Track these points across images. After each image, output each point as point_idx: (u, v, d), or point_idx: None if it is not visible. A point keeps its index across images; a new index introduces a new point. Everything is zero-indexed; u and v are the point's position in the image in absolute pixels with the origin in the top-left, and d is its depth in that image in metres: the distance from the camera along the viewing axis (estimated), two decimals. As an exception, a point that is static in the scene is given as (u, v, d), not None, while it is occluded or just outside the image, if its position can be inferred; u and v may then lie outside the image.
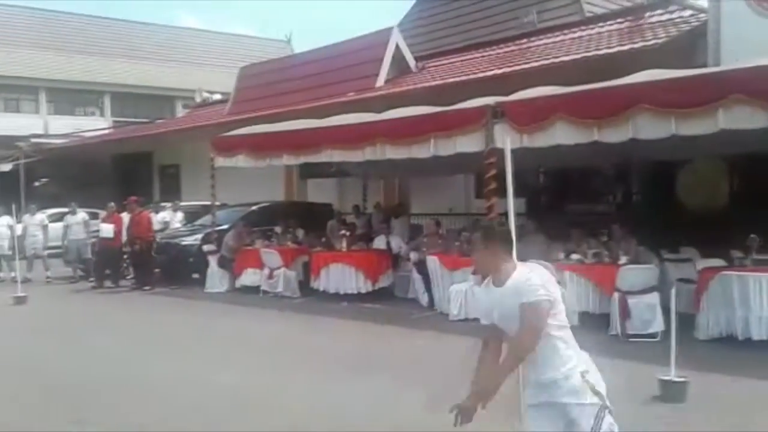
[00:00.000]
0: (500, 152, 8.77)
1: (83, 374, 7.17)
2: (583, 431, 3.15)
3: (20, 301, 12.08)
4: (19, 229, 15.15)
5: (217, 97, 26.92)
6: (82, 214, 15.60)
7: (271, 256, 12.34)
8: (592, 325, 8.42)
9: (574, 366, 3.25)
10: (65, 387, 6.70)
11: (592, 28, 14.68)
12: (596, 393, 3.21)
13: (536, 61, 13.02)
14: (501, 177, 8.86)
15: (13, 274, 14.54)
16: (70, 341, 9.10)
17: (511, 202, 4.32)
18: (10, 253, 15.03)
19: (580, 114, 8.27)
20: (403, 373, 6.83)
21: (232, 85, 21.68)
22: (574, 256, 9.05)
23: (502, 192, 9.01)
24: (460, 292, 9.36)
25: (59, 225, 17.34)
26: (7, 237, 15.28)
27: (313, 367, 7.18)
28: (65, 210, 19.46)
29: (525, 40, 15.83)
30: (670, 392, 5.63)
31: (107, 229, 14.30)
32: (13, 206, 14.96)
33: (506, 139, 4.39)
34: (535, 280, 3.18)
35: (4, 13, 39.96)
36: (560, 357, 3.25)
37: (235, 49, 42.42)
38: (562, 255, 9.21)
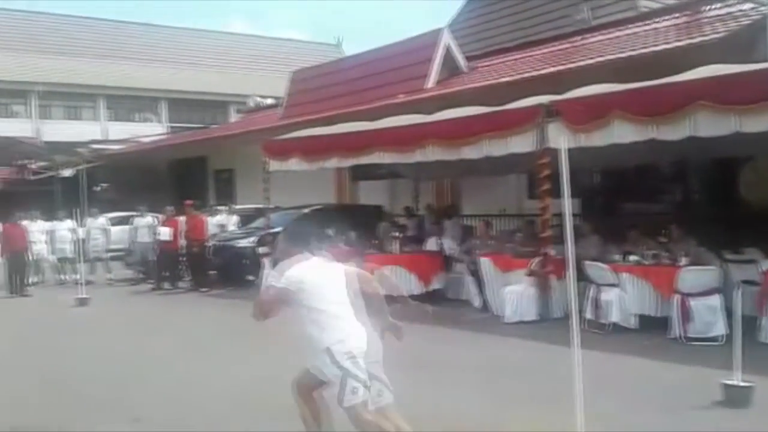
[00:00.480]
0: (554, 152, 8.69)
1: (143, 373, 7.35)
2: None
3: (83, 302, 12.47)
4: (81, 232, 15.67)
5: (270, 101, 27.32)
6: (148, 218, 16.00)
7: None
8: (652, 328, 8.25)
9: (326, 344, 4.10)
10: (126, 385, 6.87)
11: (648, 24, 14.37)
12: (339, 367, 4.04)
13: (591, 58, 12.80)
14: (555, 177, 8.81)
15: (76, 277, 15.07)
16: (131, 341, 9.35)
17: (567, 203, 4.24)
18: (73, 256, 15.57)
19: (637, 111, 8.09)
20: (454, 373, 6.80)
21: (283, 89, 21.96)
22: (632, 258, 8.85)
23: (555, 192, 8.95)
24: (514, 293, 9.26)
25: (119, 228, 17.94)
26: (69, 240, 15.83)
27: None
28: (125, 214, 20.10)
29: (578, 38, 15.59)
30: (734, 397, 5.45)
31: (165, 232, 14.65)
32: (76, 210, 15.50)
33: (562, 139, 4.31)
34: (288, 272, 4.23)
35: (63, 23, 41.43)
36: (314, 340, 4.17)
37: (286, 54, 43.02)
38: (618, 256, 9.02)
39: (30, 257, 15.26)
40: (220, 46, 44.81)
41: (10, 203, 17.74)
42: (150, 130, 35.39)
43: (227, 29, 65.35)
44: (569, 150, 4.27)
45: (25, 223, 15.37)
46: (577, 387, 4.18)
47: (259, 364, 7.51)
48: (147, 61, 41.00)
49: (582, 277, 8.46)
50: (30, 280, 15.04)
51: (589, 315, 8.57)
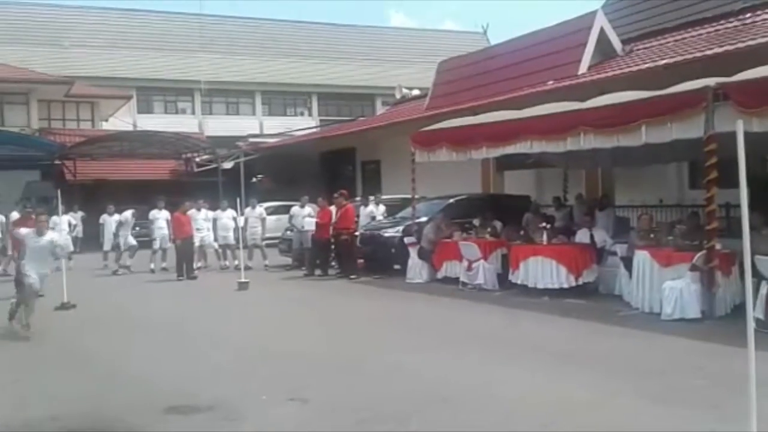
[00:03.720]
0: (721, 138, 8.07)
1: (302, 353, 7.65)
2: None
3: (243, 286, 13.26)
4: (240, 221, 16.67)
5: (416, 92, 27.57)
6: (308, 209, 16.67)
7: (470, 249, 12.39)
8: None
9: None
10: (286, 364, 7.19)
11: (831, -4, 12.98)
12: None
13: (763, 37, 11.75)
14: (721, 165, 8.18)
15: (236, 263, 16.06)
16: (289, 323, 9.85)
17: (743, 193, 3.91)
18: (234, 243, 16.60)
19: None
20: (612, 370, 6.52)
21: (430, 80, 22.06)
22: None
23: (721, 182, 8.31)
24: (675, 289, 8.72)
25: (274, 217, 18.95)
26: (231, 228, 16.87)
27: (514, 360, 7.10)
28: (280, 203, 21.16)
29: (749, 15, 14.37)
30: None
31: (310, 222, 15.35)
32: (236, 200, 16.49)
33: (738, 123, 3.97)
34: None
35: (224, 23, 44.09)
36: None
37: (431, 45, 43.26)
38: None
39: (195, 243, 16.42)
40: (367, 40, 45.86)
41: (179, 193, 19.20)
42: (302, 124, 36.96)
43: (385, 22, 66.83)
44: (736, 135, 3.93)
45: (191, 212, 16.57)
46: (751, 389, 3.87)
47: (408, 350, 7.64)
48: (299, 57, 42.79)
49: (753, 273, 7.80)
50: (195, 265, 16.18)
51: (759, 314, 7.88)
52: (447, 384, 6.25)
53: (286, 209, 18.85)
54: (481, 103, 15.75)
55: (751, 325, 3.99)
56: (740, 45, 11.84)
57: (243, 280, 13.41)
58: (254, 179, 29.15)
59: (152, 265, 16.83)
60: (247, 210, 17.35)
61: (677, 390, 5.84)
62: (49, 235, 9.43)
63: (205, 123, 38.79)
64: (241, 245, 15.73)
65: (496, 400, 5.76)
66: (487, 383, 6.28)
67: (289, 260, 17.14)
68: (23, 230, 9.82)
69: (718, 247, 8.57)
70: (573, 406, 5.52)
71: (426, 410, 5.55)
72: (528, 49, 17.43)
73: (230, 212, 17.08)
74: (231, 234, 16.84)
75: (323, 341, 8.40)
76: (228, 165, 28.00)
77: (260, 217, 17.34)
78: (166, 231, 16.79)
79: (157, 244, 17.01)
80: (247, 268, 15.31)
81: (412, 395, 5.96)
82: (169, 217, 16.59)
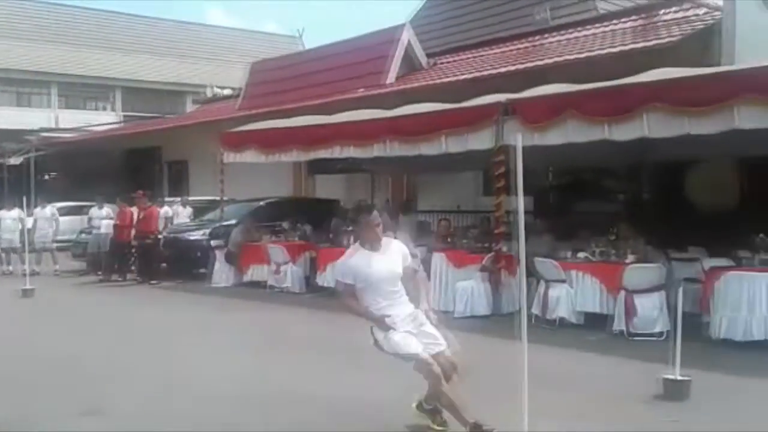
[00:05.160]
0: (510, 149, 8.77)
1: (96, 364, 7.18)
2: None
3: (28, 293, 12.10)
4: (29, 222, 15.23)
5: (227, 92, 26.97)
6: (106, 209, 15.56)
7: (278, 252, 12.35)
8: (597, 324, 8.40)
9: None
10: (78, 375, 6.70)
11: (606, 26, 14.61)
12: None
13: (549, 58, 12.96)
14: (510, 174, 8.89)
15: (22, 267, 14.62)
16: (82, 331, 9.14)
17: (520, 200, 4.27)
18: (19, 245, 15.10)
19: (592, 112, 8.22)
20: (392, 366, 6.78)
21: (242, 80, 21.68)
22: (581, 255, 9.00)
23: (510, 190, 9.03)
24: (466, 288, 9.33)
25: (68, 218, 17.54)
26: (16, 230, 15.36)
27: (315, 359, 7.19)
28: (75, 204, 19.63)
29: (538, 37, 15.75)
30: (673, 391, 5.57)
31: (109, 224, 14.49)
32: (24, 199, 15.04)
33: (517, 136, 4.34)
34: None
35: (16, 6, 40.16)
36: None
37: (246, 45, 42.49)
38: (568, 253, 9.15)
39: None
40: (180, 36, 44.03)
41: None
42: (103, 119, 34.62)
43: (207, 20, 64.52)
44: (524, 148, 4.30)
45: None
46: (523, 381, 4.20)
47: (212, 355, 7.43)
48: (103, 47, 40.04)
49: (532, 273, 8.56)
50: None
51: (536, 311, 8.68)
52: (242, 387, 6.14)
53: (80, 210, 17.55)
54: (293, 107, 15.76)
55: (523, 321, 4.34)
56: (529, 65, 12.95)
57: (28, 286, 12.23)
58: (47, 177, 26.82)
59: None
60: (37, 210, 15.93)
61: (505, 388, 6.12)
62: (398, 247, 5.05)
63: (-12, 114, 34.95)
64: (26, 248, 14.33)
65: (336, 403, 5.75)
66: (324, 386, 6.24)
67: (83, 265, 15.94)
68: (353, 259, 4.86)
69: (504, 249, 9.30)
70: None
71: (242, 415, 5.46)
72: (339, 56, 17.72)
73: (16, 212, 15.53)
74: (16, 236, 15.33)
75: (117, 349, 7.92)
76: (15, 161, 25.52)
77: (51, 218, 15.97)
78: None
79: None
80: (34, 273, 14.04)
81: (231, 400, 5.81)
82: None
